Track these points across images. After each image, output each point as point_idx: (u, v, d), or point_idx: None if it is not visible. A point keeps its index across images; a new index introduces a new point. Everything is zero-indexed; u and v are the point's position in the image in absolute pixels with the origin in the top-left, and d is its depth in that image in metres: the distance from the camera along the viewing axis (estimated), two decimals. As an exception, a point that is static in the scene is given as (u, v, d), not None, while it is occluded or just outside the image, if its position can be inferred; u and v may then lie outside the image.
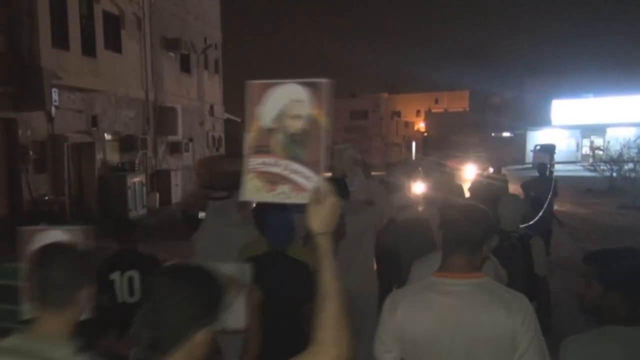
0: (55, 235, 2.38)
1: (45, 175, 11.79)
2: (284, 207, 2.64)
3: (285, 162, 1.42)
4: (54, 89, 11.27)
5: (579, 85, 33.56)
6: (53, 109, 11.50)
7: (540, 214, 7.13)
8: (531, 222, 5.76)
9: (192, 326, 1.33)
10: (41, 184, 11.63)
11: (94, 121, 13.70)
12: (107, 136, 14.57)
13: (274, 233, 2.95)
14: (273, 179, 1.43)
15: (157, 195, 15.91)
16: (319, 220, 1.38)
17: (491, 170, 11.26)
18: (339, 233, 3.04)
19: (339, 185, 3.14)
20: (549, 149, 25.43)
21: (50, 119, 11.73)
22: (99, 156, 13.85)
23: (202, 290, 1.37)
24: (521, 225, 3.90)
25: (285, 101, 1.42)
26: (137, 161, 15.44)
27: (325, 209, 1.37)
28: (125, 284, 3.52)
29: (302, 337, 1.61)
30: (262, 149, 1.44)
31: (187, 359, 1.35)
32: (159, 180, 16.68)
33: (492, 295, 1.89)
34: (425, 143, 44.54)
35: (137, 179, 14.26)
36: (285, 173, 1.42)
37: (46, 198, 11.47)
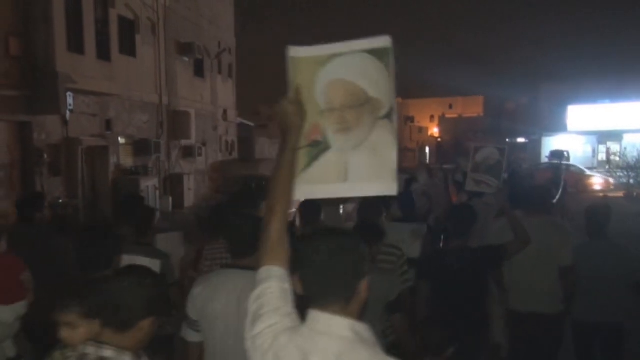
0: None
1: (59, 179, 11.86)
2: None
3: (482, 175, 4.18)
4: (69, 93, 11.34)
5: (595, 90, 33.12)
6: (68, 112, 11.57)
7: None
8: None
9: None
10: (55, 187, 11.70)
11: (108, 125, 13.78)
12: (121, 140, 14.65)
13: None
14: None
15: (170, 199, 15.95)
16: None
17: None
18: None
19: None
20: (558, 154, 25.54)
21: (65, 122, 11.82)
22: (112, 160, 13.92)
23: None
24: None
25: (485, 155, 4.16)
26: (150, 165, 15.50)
27: None
28: None
29: None
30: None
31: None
32: (172, 184, 16.74)
33: (552, 224, 4.15)
34: (439, 148, 44.23)
35: (150, 183, 14.31)
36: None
37: (60, 201, 11.52)
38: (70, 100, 11.43)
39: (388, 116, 1.74)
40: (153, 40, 16.24)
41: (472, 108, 62.06)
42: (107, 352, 1.74)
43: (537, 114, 36.87)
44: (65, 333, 2.04)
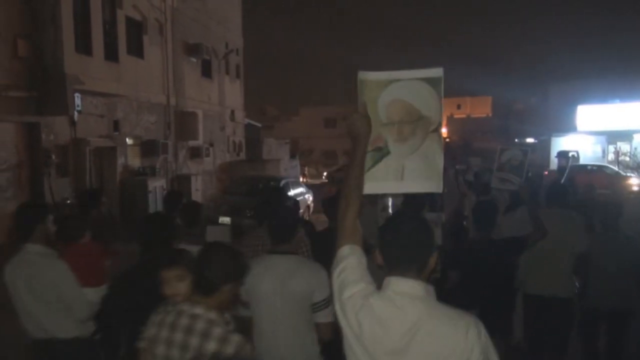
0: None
1: (67, 179, 11.88)
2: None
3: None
4: (76, 94, 11.36)
5: (605, 90, 32.82)
6: (76, 113, 11.59)
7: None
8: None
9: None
10: (63, 188, 11.71)
11: (116, 126, 13.80)
12: (129, 141, 14.66)
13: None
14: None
15: (178, 199, 15.93)
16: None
17: None
18: None
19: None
20: (563, 155, 25.38)
21: (72, 123, 11.83)
22: (120, 160, 13.94)
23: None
24: None
25: (509, 156, 4.82)
26: (158, 166, 15.50)
27: None
28: None
29: None
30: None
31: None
32: (180, 185, 16.73)
33: (566, 216, 4.40)
34: (447, 149, 43.95)
35: (157, 184, 14.31)
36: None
37: (68, 202, 11.53)
38: (78, 101, 11.45)
39: (436, 130, 2.14)
40: (160, 41, 16.25)
41: (480, 108, 61.78)
42: (198, 310, 2.19)
43: (546, 114, 36.62)
44: (171, 288, 2.45)
